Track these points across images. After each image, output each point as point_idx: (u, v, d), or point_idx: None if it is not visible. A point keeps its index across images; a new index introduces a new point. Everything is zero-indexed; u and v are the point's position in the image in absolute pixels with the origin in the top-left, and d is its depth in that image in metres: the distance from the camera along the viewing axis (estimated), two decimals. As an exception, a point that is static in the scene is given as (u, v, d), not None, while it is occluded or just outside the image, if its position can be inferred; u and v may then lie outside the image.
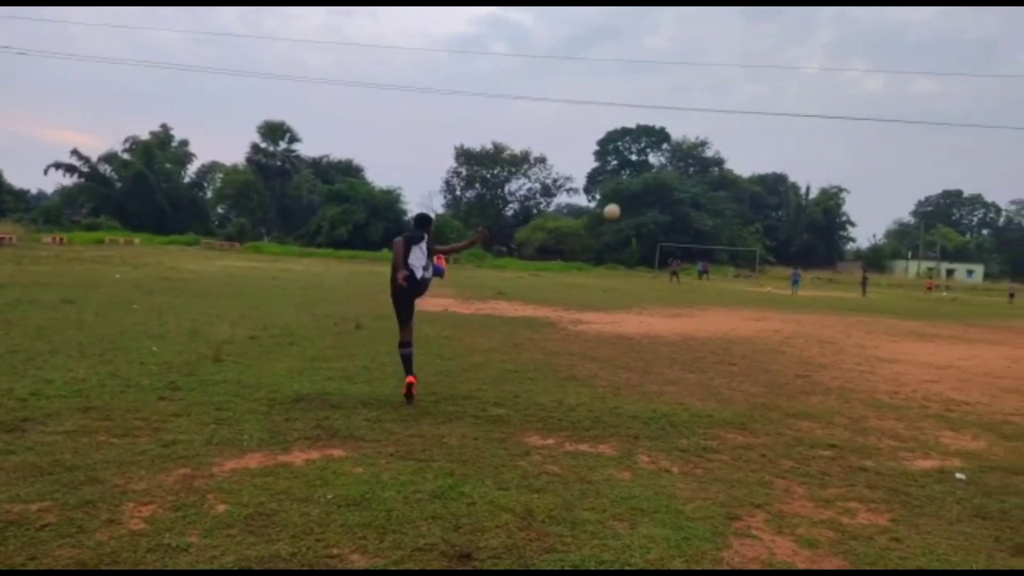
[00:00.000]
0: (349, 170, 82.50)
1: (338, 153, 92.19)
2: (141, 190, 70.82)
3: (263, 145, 77.71)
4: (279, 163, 77.83)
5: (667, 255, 64.47)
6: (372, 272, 34.08)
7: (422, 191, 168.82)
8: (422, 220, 7.92)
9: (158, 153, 75.33)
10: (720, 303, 26.89)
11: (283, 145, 78.77)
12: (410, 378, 7.47)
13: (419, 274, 7.36)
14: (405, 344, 7.54)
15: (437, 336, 11.74)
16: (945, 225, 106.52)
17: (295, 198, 77.33)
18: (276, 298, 17.72)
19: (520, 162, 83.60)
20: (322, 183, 76.02)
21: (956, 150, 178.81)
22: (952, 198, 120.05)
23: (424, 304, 8.06)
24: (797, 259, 79.36)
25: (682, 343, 13.37)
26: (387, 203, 70.61)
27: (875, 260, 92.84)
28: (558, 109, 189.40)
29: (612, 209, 10.14)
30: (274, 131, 78.31)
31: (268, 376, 8.29)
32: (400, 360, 7.80)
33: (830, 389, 9.63)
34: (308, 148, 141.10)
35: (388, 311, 14.54)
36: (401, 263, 7.34)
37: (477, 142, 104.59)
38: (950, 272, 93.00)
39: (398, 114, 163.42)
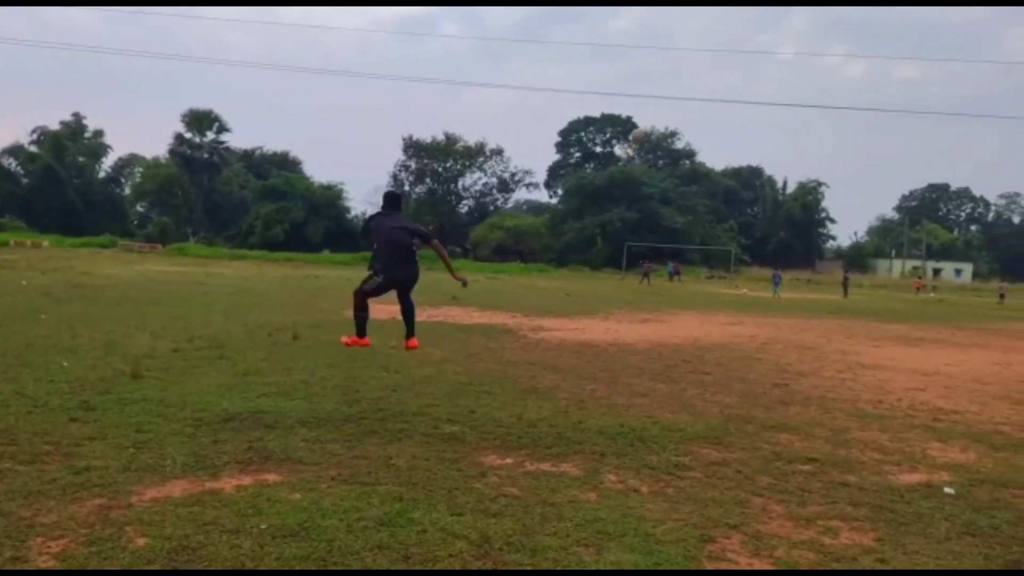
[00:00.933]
0: (285, 163, 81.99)
1: (273, 145, 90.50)
2: (50, 186, 69.36)
3: (188, 136, 76.62)
4: (206, 156, 76.67)
5: (635, 256, 63.47)
6: (310, 276, 33.86)
7: (367, 187, 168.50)
8: (393, 199, 8.03)
9: (69, 145, 74.12)
10: (692, 307, 26.71)
11: (210, 136, 77.69)
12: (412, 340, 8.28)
13: (408, 245, 7.66)
14: (363, 301, 7.97)
15: (383, 346, 11.54)
16: (931, 221, 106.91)
17: (224, 194, 75.93)
18: (203, 306, 17.42)
19: (475, 154, 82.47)
20: (255, 178, 75.13)
21: (942, 141, 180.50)
22: (938, 192, 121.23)
23: (373, 311, 8.04)
24: (774, 259, 79.40)
25: (652, 351, 13.28)
26: (327, 200, 69.34)
27: (857, 259, 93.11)
28: (516, 97, 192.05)
29: (639, 134, 9.06)
30: (200, 120, 77.13)
31: (194, 393, 8.17)
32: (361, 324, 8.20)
33: (810, 399, 9.79)
34: (239, 139, 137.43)
35: (329, 319, 15.87)
36: (386, 250, 7.60)
37: (427, 133, 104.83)
38: (937, 271, 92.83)
39: (339, 102, 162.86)
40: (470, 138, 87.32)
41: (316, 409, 7.74)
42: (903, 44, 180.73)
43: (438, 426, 7.33)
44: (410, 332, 8.33)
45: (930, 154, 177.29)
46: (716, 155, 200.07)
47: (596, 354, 12.62)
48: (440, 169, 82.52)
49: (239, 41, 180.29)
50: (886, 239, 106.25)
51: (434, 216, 77.25)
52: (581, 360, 11.82)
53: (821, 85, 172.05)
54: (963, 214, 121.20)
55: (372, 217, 8.06)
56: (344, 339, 8.66)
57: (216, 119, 77.38)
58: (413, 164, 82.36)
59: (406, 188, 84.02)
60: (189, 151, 76.16)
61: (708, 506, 5.49)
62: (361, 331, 8.15)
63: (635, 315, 21.33)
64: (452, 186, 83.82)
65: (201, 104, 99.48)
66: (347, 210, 71.45)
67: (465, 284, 8.58)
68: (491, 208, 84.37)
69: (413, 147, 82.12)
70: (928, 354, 15.57)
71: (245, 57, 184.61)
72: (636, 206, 71.51)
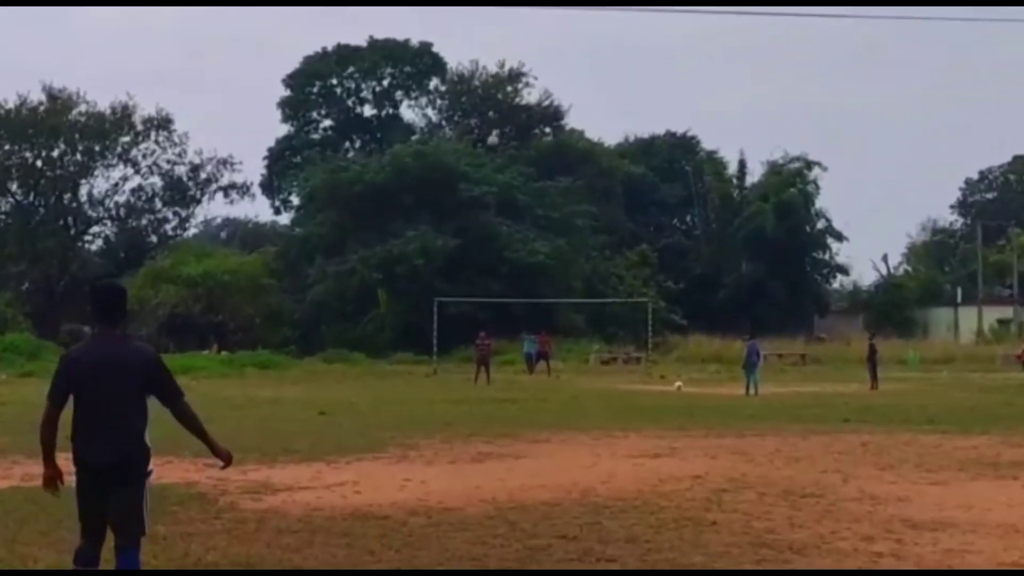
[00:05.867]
0: None
1: None
2: None
3: None
4: None
5: (458, 323, 46.76)
6: None
7: None
8: (109, 298, 6.68)
9: None
10: (577, 423, 22.51)
11: None
12: None
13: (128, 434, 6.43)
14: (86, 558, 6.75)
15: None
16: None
17: None
18: None
19: (114, 129, 61.49)
20: None
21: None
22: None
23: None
24: (731, 316, 58.33)
25: (497, 520, 11.31)
26: None
27: (890, 310, 67.02)
28: (190, 16, 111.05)
29: None
30: None
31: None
32: None
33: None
34: None
35: None
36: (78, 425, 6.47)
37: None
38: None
39: None
40: (100, 98, 66.54)
41: None
42: None
43: None
44: None
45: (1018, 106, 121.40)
46: (605, 117, 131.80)
47: (383, 536, 10.62)
48: (37, 162, 59.62)
49: None
50: (942, 267, 77.66)
51: (30, 264, 56.41)
52: (352, 554, 9.98)
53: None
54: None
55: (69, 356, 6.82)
56: None
57: None
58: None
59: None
60: None
61: None
62: None
63: (463, 446, 16.91)
64: (66, 196, 61.26)
65: None
66: None
67: (227, 463, 7.19)
68: (152, 239, 64.62)
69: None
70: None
71: None
72: (452, 220, 53.48)
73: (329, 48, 69.55)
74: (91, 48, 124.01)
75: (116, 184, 64.26)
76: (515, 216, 56.61)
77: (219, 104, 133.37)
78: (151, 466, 6.88)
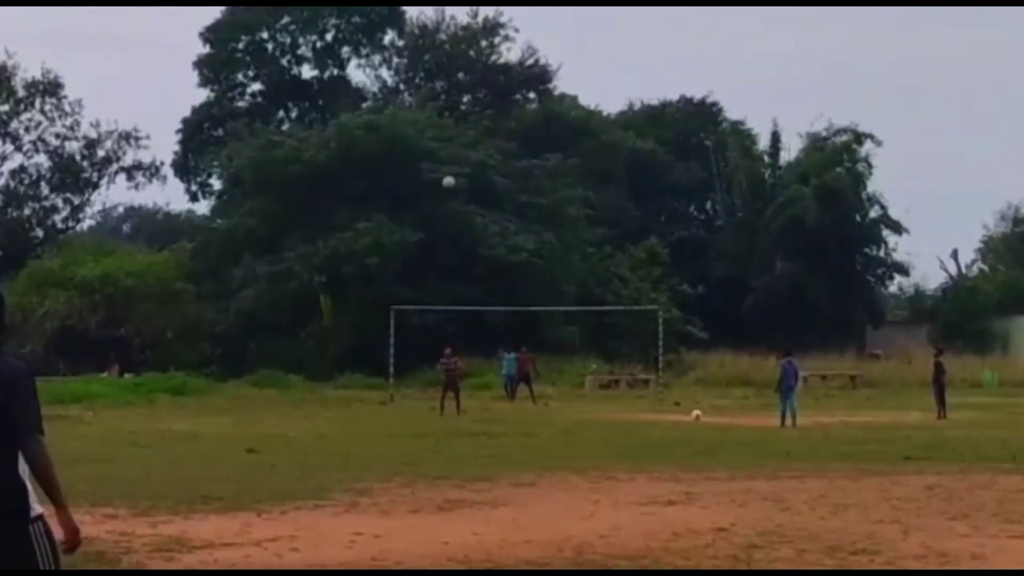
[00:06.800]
0: None
1: None
2: None
3: None
4: None
5: (420, 335, 46.42)
6: None
7: None
8: None
9: None
10: (569, 462, 22.39)
11: None
12: None
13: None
14: None
15: None
16: None
17: None
18: None
19: None
20: None
21: None
22: None
23: None
24: (763, 328, 57.03)
25: None
26: None
27: (963, 319, 64.40)
28: None
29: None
30: None
31: None
32: None
33: None
34: None
35: None
36: None
37: None
38: None
39: None
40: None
41: None
42: None
43: None
44: None
45: None
46: (604, 79, 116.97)
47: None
48: None
49: None
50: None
51: None
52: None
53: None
54: None
55: None
56: None
57: None
58: None
59: None
60: None
61: None
62: None
63: (427, 492, 17.23)
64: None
65: None
66: None
67: (72, 548, 6.63)
68: (37, 233, 63.18)
69: None
70: None
71: None
72: (417, 211, 52.28)
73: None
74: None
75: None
76: (492, 203, 54.28)
77: (120, 65, 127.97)
78: (37, 510, 6.39)
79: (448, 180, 49.96)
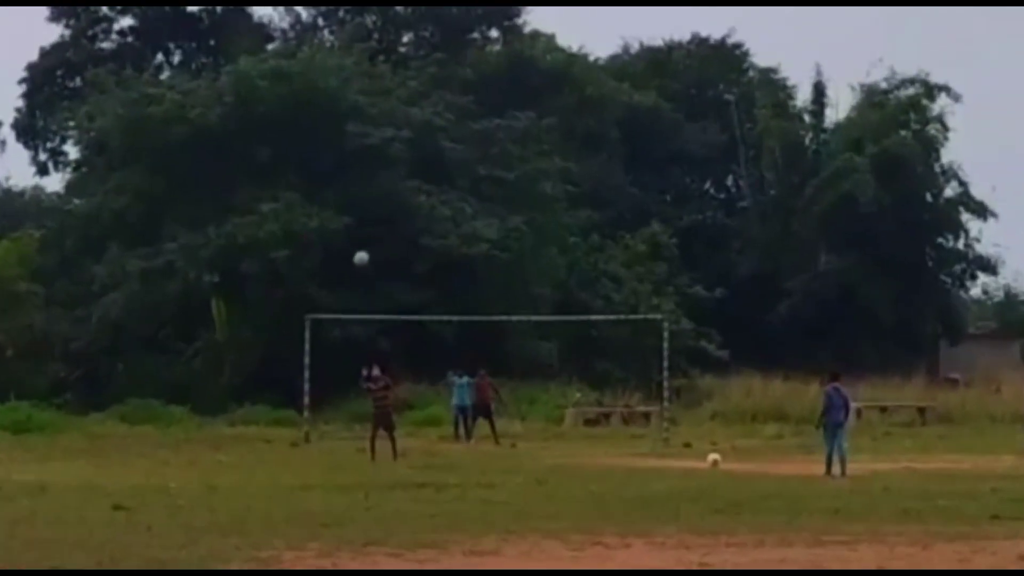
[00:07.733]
0: None
1: None
2: None
3: None
4: None
5: (346, 353, 44.96)
6: None
7: None
8: None
9: None
10: (544, 522, 21.83)
11: None
12: None
13: None
14: None
15: None
16: None
17: None
18: None
19: None
20: None
21: None
22: None
23: None
24: (801, 345, 55.46)
25: None
26: None
27: None
28: None
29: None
30: None
31: None
32: None
33: None
34: None
35: None
36: None
37: None
38: None
39: None
40: None
41: None
42: None
43: None
44: None
45: None
46: (590, 14, 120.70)
47: None
48: None
49: None
50: None
51: None
52: None
53: None
54: None
55: None
56: None
57: None
58: None
59: None
60: None
61: None
62: None
63: (354, 562, 17.62)
64: None
65: None
66: None
67: None
68: None
69: None
70: None
71: None
72: (340, 188, 51.14)
73: None
74: None
75: None
76: (441, 178, 50.52)
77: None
78: None
79: (361, 256, 46.75)
